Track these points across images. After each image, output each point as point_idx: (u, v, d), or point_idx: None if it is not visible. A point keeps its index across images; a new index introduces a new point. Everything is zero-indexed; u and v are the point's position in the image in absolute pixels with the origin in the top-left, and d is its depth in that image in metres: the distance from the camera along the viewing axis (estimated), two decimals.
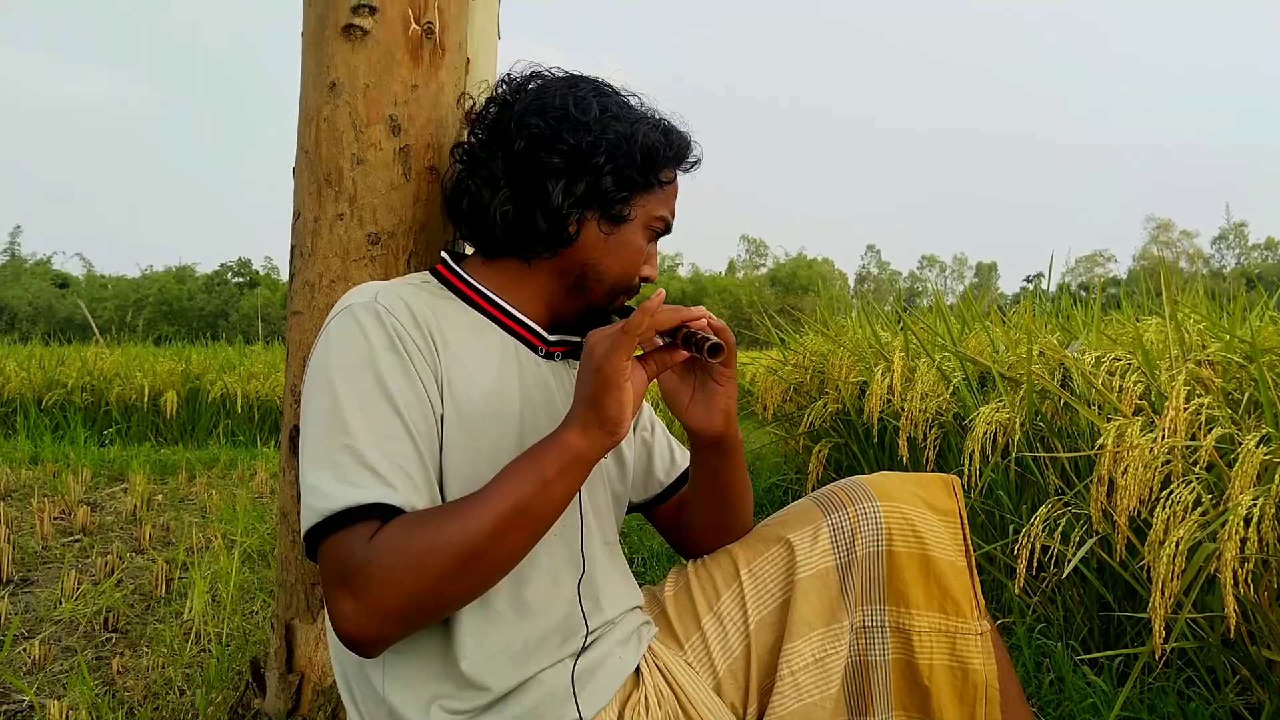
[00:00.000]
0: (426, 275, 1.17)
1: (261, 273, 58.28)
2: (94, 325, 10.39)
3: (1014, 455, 2.34)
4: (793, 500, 1.32)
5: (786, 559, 1.19)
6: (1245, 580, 1.46)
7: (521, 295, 1.15)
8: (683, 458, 1.36)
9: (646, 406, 1.33)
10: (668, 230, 1.20)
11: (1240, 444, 1.57)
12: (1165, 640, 1.53)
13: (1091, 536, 1.90)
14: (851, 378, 3.59)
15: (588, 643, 1.11)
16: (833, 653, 1.16)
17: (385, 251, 1.40)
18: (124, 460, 5.31)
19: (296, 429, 1.47)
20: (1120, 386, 2.05)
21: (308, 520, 0.92)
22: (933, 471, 1.34)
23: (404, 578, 0.87)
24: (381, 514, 0.91)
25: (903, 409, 2.78)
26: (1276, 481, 1.49)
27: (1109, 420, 1.84)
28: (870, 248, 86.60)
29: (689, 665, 1.20)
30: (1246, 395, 1.99)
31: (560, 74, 1.17)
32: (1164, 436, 1.71)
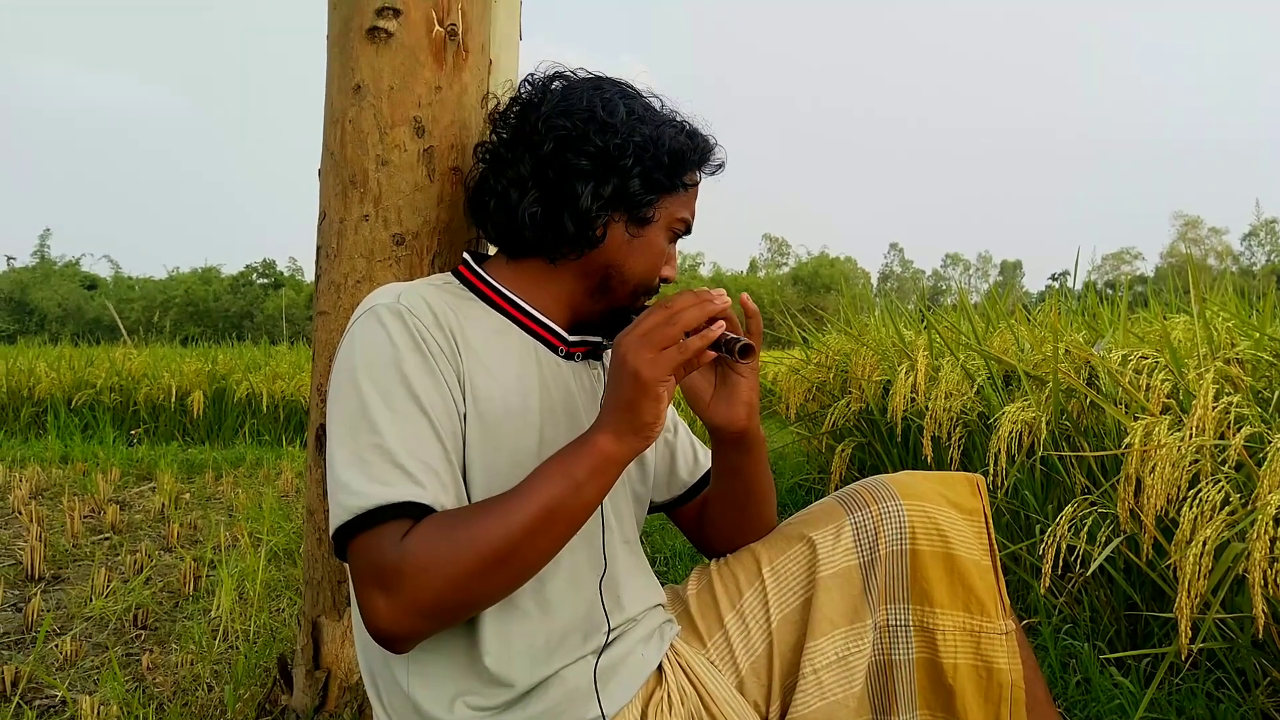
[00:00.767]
0: (448, 276, 1.18)
1: (286, 274, 58.72)
2: (122, 326, 10.52)
3: (1039, 454, 2.32)
4: (815, 500, 1.31)
5: (809, 557, 1.19)
6: (1275, 580, 1.45)
7: (544, 296, 1.16)
8: (705, 457, 1.37)
9: (669, 408, 1.34)
10: (688, 231, 1.21)
11: (1270, 443, 1.56)
12: (1192, 641, 1.52)
13: (1118, 536, 1.88)
14: (875, 377, 3.58)
15: (609, 640, 1.11)
16: (856, 651, 1.16)
17: (410, 252, 1.41)
18: (152, 459, 5.38)
19: (323, 428, 1.48)
20: (1147, 385, 2.04)
21: (338, 518, 0.93)
22: (957, 471, 1.34)
23: (437, 575, 0.88)
24: (411, 513, 0.92)
25: (927, 408, 2.77)
26: None
27: (1136, 419, 1.82)
28: (893, 246, 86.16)
29: (711, 663, 1.20)
30: (1277, 394, 1.97)
31: (584, 75, 1.17)
32: (1192, 435, 1.69)
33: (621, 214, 1.12)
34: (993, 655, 1.13)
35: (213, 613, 2.49)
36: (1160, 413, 1.93)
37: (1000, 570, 1.17)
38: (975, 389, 2.80)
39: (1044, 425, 2.25)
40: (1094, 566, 1.84)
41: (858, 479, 1.28)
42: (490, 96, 1.29)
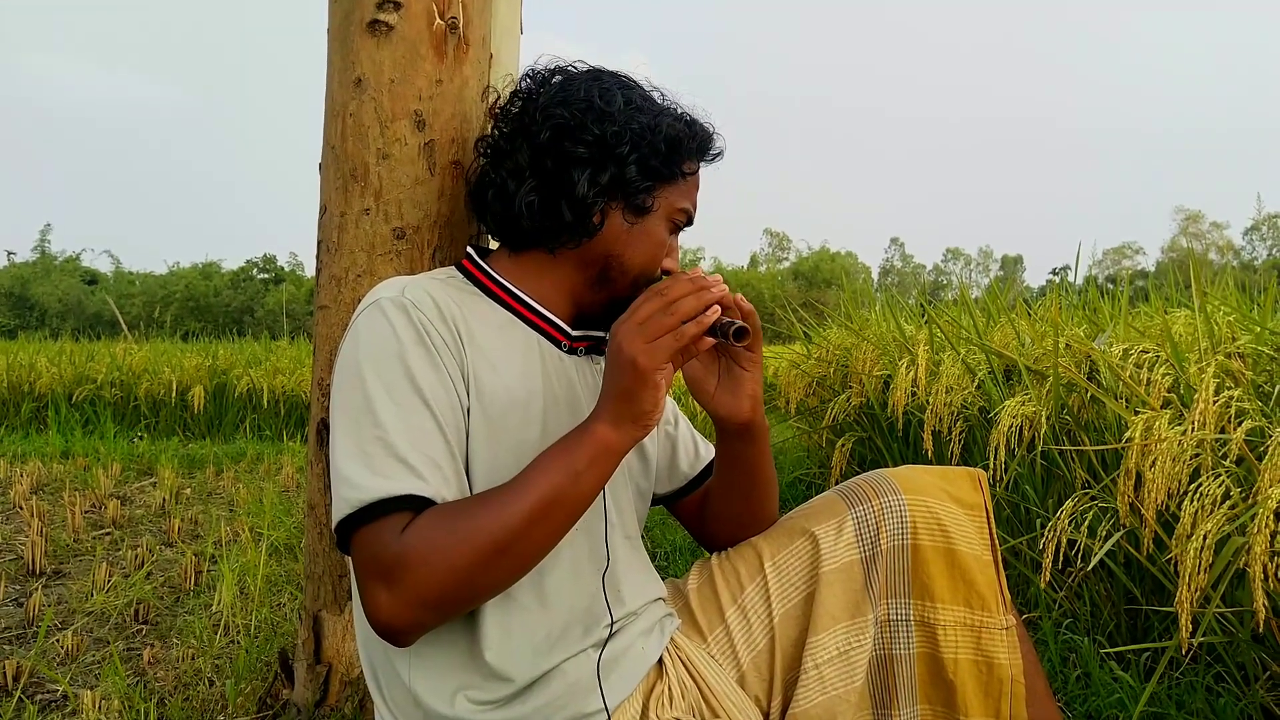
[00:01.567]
0: (452, 270, 1.18)
1: (286, 269, 58.69)
2: (122, 321, 10.51)
3: (1040, 449, 2.32)
4: (816, 494, 1.32)
5: (811, 552, 1.19)
6: (1275, 574, 1.45)
7: (546, 289, 1.16)
8: (707, 450, 1.37)
9: (670, 400, 1.33)
10: (689, 222, 1.20)
11: (1270, 437, 1.56)
12: (1193, 635, 1.52)
13: (1118, 531, 1.88)
14: (875, 371, 3.58)
15: (610, 634, 1.11)
16: (857, 646, 1.16)
17: (410, 246, 1.41)
18: (153, 454, 5.39)
19: (324, 422, 1.48)
20: (1148, 379, 2.03)
21: (340, 511, 0.93)
22: (958, 465, 1.34)
23: (437, 568, 0.89)
24: (413, 505, 0.92)
25: (927, 402, 2.77)
26: None
27: (1137, 413, 1.82)
28: (894, 241, 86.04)
29: (712, 657, 1.20)
30: (1277, 388, 1.96)
31: (584, 68, 1.17)
32: (1193, 429, 1.69)
33: (619, 202, 1.12)
34: (993, 650, 1.13)
35: (214, 607, 2.50)
36: (1161, 407, 1.93)
37: (1001, 565, 1.17)
38: (976, 383, 2.80)
39: (1044, 420, 2.25)
40: (1094, 561, 1.84)
41: (858, 474, 1.28)
42: (490, 90, 1.29)
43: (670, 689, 1.14)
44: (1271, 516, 1.43)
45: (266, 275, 57.46)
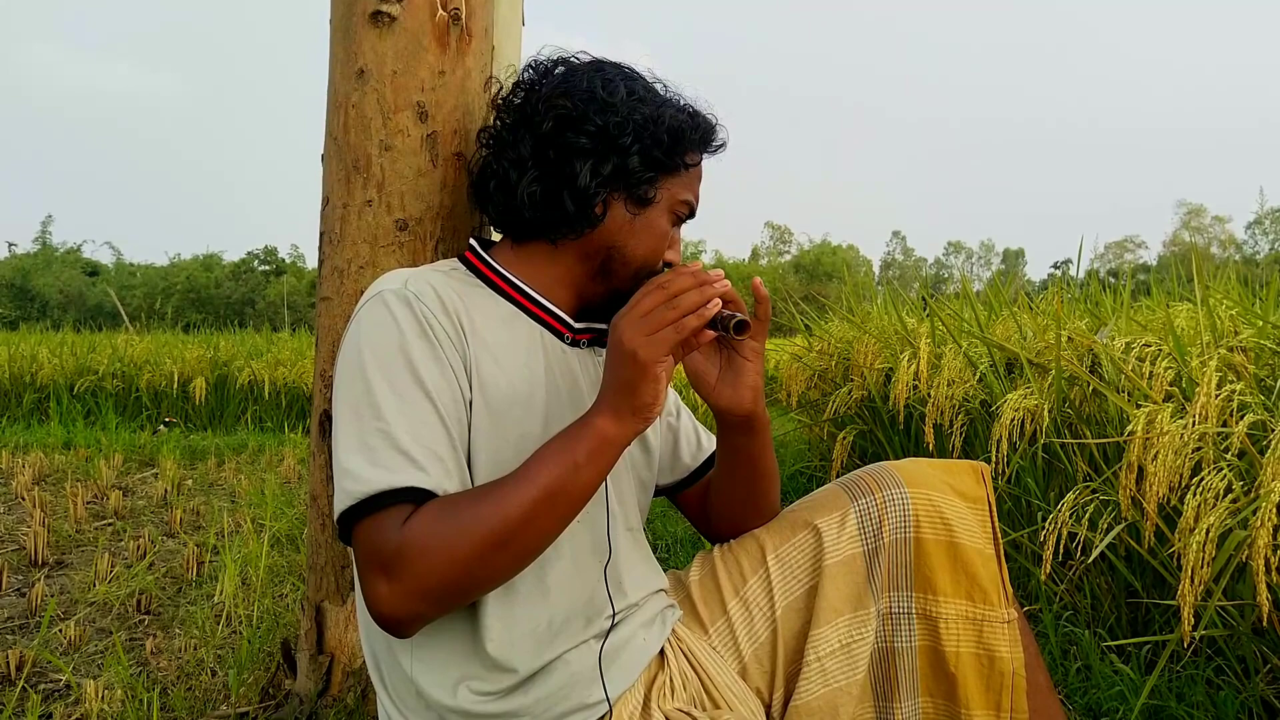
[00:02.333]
0: (455, 262, 1.18)
1: (287, 261, 58.73)
2: (123, 313, 10.54)
3: (1042, 442, 2.32)
4: (817, 487, 1.31)
5: (814, 545, 1.19)
6: (1277, 568, 1.45)
7: (548, 281, 1.15)
8: (709, 442, 1.37)
9: (672, 392, 1.33)
10: (692, 215, 1.20)
11: (1273, 430, 1.56)
12: (1194, 628, 1.52)
13: (1120, 524, 1.89)
14: (877, 364, 3.57)
15: (612, 625, 1.12)
16: (859, 639, 1.16)
17: (413, 237, 1.41)
18: (154, 445, 5.39)
19: (326, 413, 1.48)
20: (1150, 373, 2.03)
21: (341, 503, 0.93)
22: (960, 458, 1.34)
23: (438, 560, 0.89)
24: (414, 498, 0.92)
25: (929, 396, 2.76)
26: None
27: (1139, 406, 1.82)
28: (896, 234, 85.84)
29: (714, 649, 1.20)
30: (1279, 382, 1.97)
31: (587, 59, 1.17)
32: (1195, 423, 1.69)
33: (621, 193, 1.12)
34: (995, 643, 1.13)
35: (216, 598, 2.50)
36: (1163, 400, 1.93)
37: (1003, 558, 1.17)
38: (978, 376, 2.80)
39: (1046, 413, 2.25)
40: (1095, 554, 1.84)
41: (859, 467, 1.28)
42: (494, 81, 1.28)
43: (672, 680, 1.14)
44: (1274, 510, 1.43)
45: (268, 267, 57.48)
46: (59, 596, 2.56)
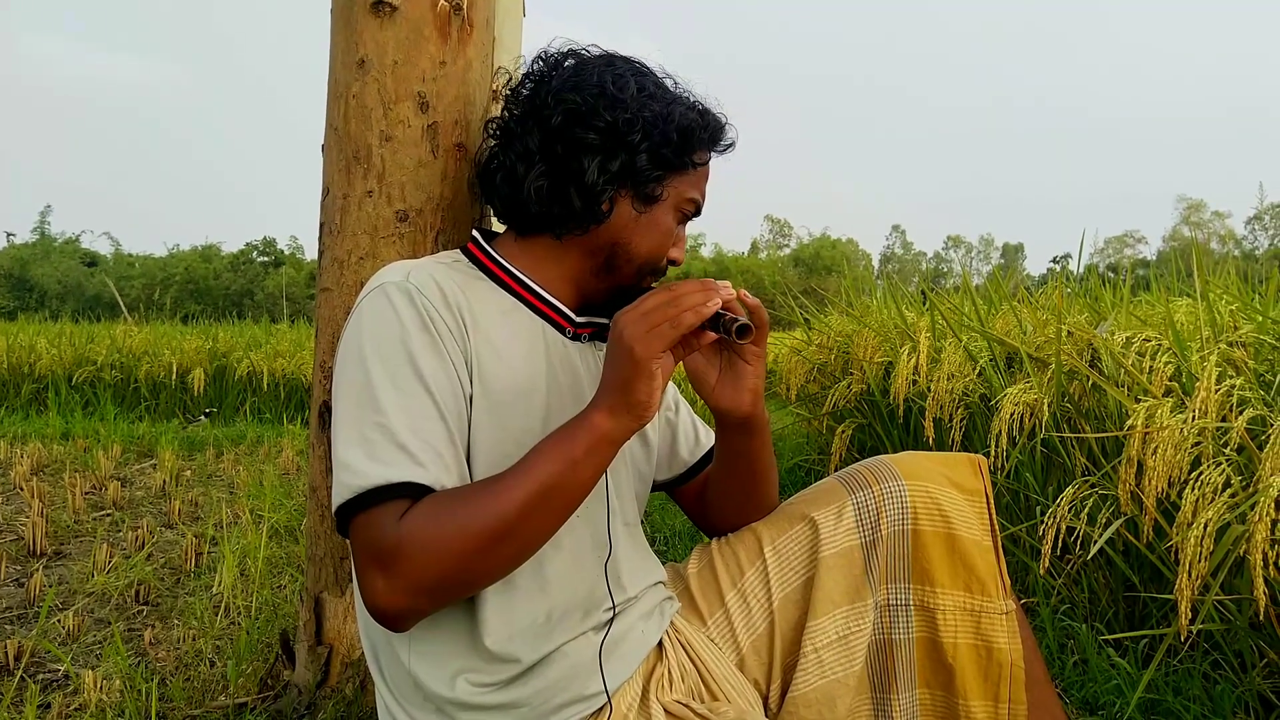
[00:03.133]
0: (457, 254, 1.17)
1: (286, 252, 58.55)
2: (122, 303, 10.52)
3: (1041, 436, 2.32)
4: (816, 481, 1.32)
5: (811, 537, 1.20)
6: (1275, 562, 1.45)
7: (551, 274, 1.15)
8: (707, 436, 1.36)
9: (671, 386, 1.33)
10: (698, 213, 1.19)
11: (1272, 425, 1.56)
12: (1191, 622, 1.53)
13: (1118, 518, 1.89)
14: (876, 358, 3.58)
15: (611, 618, 1.12)
16: (857, 630, 1.16)
17: (413, 229, 1.41)
18: (153, 436, 5.39)
19: (326, 405, 1.48)
20: (1150, 367, 2.03)
21: (339, 496, 0.93)
22: (959, 452, 1.34)
23: (434, 555, 0.89)
24: (412, 493, 0.92)
25: (928, 389, 2.77)
26: None
27: (1138, 401, 1.82)
28: (895, 228, 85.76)
29: (712, 641, 1.20)
30: (1279, 377, 1.97)
31: (597, 52, 1.16)
32: (1194, 418, 1.69)
33: (628, 190, 1.11)
34: (993, 635, 1.14)
35: (214, 589, 2.50)
36: (1162, 395, 1.93)
37: (1001, 550, 1.17)
38: (977, 370, 2.80)
39: (1045, 407, 2.25)
40: (1094, 549, 1.84)
41: (858, 460, 1.28)
42: (501, 71, 1.28)
43: (670, 672, 1.14)
44: (1272, 505, 1.44)
45: (266, 258, 57.33)
46: (57, 587, 2.56)
